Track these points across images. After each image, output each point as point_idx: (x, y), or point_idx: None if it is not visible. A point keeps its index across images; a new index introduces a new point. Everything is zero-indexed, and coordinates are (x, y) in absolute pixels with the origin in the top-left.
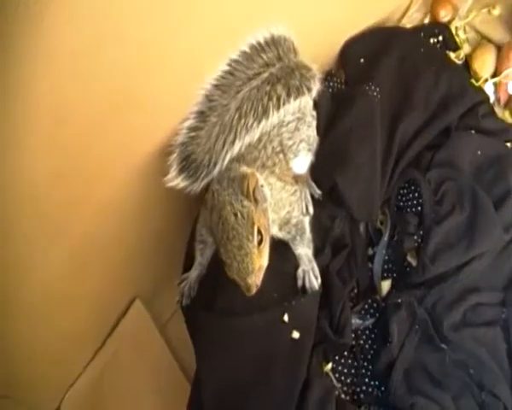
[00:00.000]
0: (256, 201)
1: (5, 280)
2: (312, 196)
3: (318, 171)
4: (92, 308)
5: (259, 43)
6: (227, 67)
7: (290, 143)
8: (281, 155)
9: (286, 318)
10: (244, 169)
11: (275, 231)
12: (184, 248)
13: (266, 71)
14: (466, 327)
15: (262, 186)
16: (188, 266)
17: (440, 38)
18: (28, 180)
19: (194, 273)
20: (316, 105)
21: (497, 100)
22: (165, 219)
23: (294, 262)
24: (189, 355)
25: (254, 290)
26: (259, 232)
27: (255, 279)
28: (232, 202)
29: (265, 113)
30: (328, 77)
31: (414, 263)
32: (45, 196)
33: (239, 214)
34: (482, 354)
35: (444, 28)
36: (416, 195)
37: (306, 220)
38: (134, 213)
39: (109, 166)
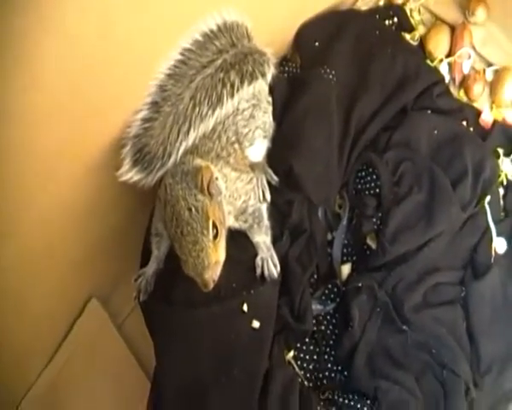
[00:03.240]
0: (211, 194)
1: None
2: (269, 183)
3: (274, 156)
4: (47, 309)
5: (212, 30)
6: (180, 56)
7: (246, 130)
8: (236, 145)
9: (245, 307)
10: (198, 162)
11: (231, 221)
12: (140, 244)
13: (220, 58)
14: (426, 308)
15: (217, 179)
16: (144, 262)
17: (395, 19)
18: None
19: (150, 268)
20: (271, 90)
21: (453, 80)
22: (119, 214)
23: (252, 251)
24: (148, 353)
25: (211, 286)
26: (215, 226)
27: (212, 274)
28: (186, 197)
29: (220, 101)
30: (283, 62)
31: (373, 246)
32: None
33: (193, 209)
34: (442, 334)
35: (398, 10)
36: (374, 177)
37: (263, 208)
38: (87, 209)
39: (59, 162)
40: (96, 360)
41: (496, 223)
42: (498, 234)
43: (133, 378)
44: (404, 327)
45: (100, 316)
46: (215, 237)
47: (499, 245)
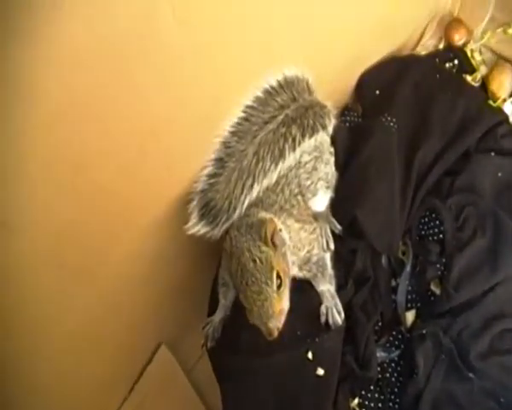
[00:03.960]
0: (275, 246)
1: (31, 329)
2: (333, 232)
3: (338, 205)
4: (119, 356)
5: (273, 87)
6: (243, 114)
7: (308, 183)
8: (299, 197)
9: (310, 355)
10: (262, 215)
11: (295, 271)
12: (208, 293)
13: (281, 113)
14: (493, 355)
15: (280, 230)
16: (212, 310)
17: (456, 61)
18: (46, 229)
19: (218, 316)
20: (333, 141)
21: None
22: (188, 265)
23: (317, 299)
24: (216, 399)
25: (276, 334)
26: (278, 276)
27: (276, 323)
28: (250, 249)
29: (282, 155)
30: (345, 111)
31: (438, 292)
32: (66, 245)
33: (257, 260)
34: (511, 382)
35: (459, 52)
36: (438, 223)
37: (327, 257)
38: (157, 260)
39: (131, 215)
40: (165, 405)
41: None
42: None
43: None
44: (471, 375)
45: (169, 362)
46: (279, 286)
47: None
